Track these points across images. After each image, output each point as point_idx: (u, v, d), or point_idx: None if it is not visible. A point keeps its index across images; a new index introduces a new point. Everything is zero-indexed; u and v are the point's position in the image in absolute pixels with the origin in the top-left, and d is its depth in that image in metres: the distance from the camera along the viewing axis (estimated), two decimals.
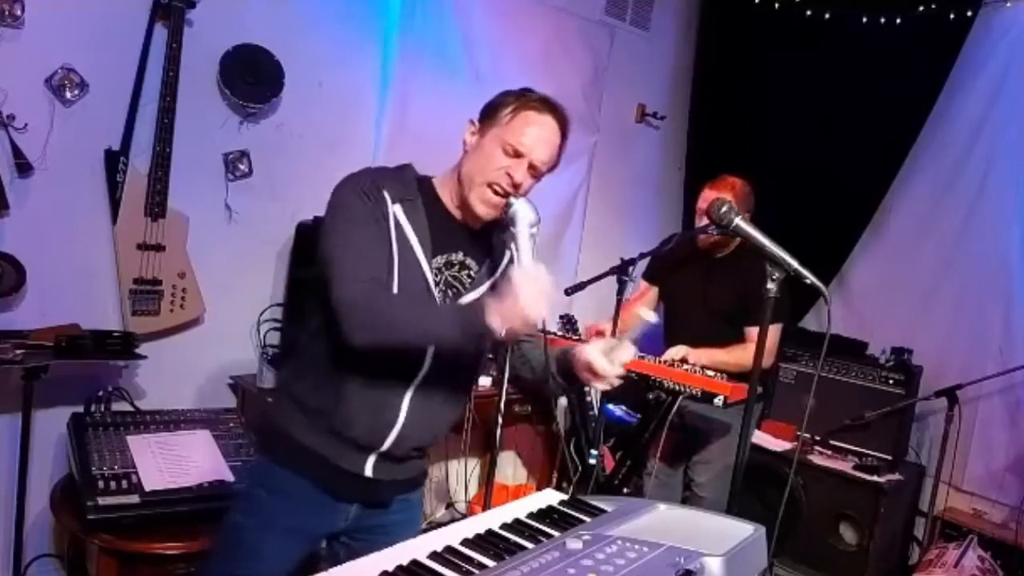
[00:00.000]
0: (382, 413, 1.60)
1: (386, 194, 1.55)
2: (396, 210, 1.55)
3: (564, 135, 1.62)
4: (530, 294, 1.35)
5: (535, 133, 1.56)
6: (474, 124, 1.63)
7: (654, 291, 3.04)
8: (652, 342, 3.00)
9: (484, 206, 1.58)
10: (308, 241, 2.91)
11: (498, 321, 1.37)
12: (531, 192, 1.62)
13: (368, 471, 1.62)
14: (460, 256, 1.65)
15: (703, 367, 2.60)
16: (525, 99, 1.59)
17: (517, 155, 1.56)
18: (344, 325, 1.42)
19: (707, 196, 2.72)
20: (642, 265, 2.59)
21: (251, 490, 1.66)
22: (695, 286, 2.85)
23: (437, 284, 1.59)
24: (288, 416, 1.62)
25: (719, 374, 2.54)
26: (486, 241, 1.69)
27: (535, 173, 1.60)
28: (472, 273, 1.66)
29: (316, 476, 1.60)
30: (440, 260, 1.61)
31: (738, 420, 2.69)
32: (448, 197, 1.64)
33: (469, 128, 1.63)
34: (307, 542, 1.67)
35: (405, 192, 1.58)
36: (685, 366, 2.60)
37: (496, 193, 1.57)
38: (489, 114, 1.61)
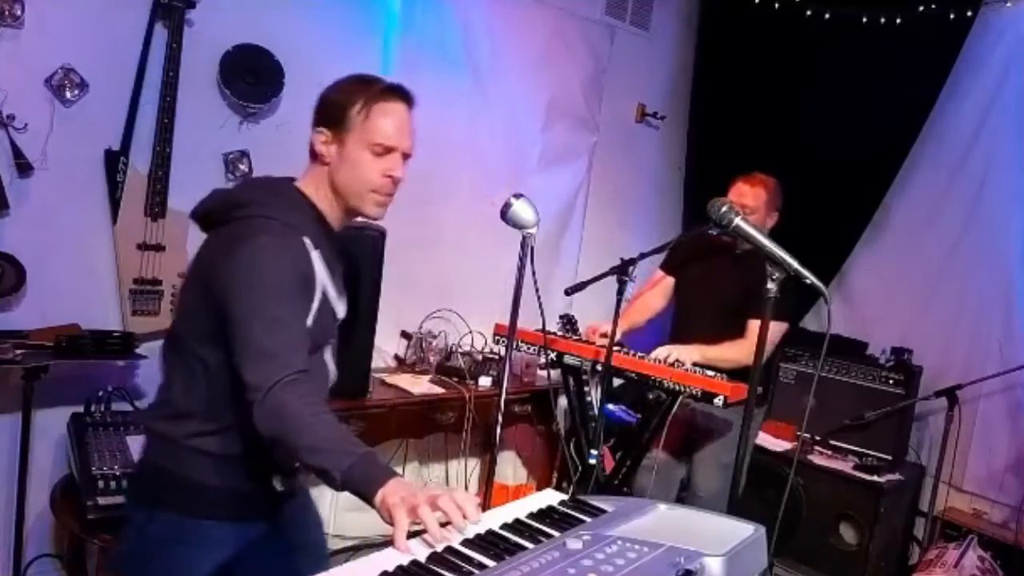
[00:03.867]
0: None
1: (307, 241, 1.49)
2: (315, 257, 1.50)
3: (413, 110, 1.59)
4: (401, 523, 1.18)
5: (395, 125, 1.54)
6: (323, 132, 1.55)
7: (668, 281, 3.04)
8: (657, 336, 3.00)
9: (379, 208, 1.58)
10: None
11: (379, 499, 1.22)
12: (530, 192, 1.62)
13: (278, 487, 1.60)
14: (338, 269, 1.64)
15: (695, 364, 2.61)
16: (369, 92, 1.54)
17: (388, 151, 1.54)
18: (255, 411, 1.33)
19: (740, 189, 2.74)
20: (643, 265, 2.59)
21: (162, 546, 1.51)
22: (707, 279, 2.86)
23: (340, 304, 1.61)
24: (195, 466, 1.51)
25: (719, 374, 2.54)
26: (338, 243, 1.66)
27: (407, 158, 1.58)
28: (340, 280, 1.65)
29: (231, 513, 1.55)
30: (335, 281, 1.60)
31: (740, 420, 2.70)
32: (326, 209, 1.58)
33: (319, 137, 1.55)
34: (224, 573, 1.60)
35: (310, 227, 1.52)
36: (680, 366, 2.60)
37: (385, 194, 1.56)
38: (336, 118, 1.53)
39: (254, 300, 1.39)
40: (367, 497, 1.24)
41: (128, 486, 1.62)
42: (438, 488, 1.22)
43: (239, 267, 1.41)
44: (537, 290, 1.99)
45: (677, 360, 2.61)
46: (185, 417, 1.51)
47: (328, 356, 1.65)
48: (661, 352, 2.67)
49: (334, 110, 1.55)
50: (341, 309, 1.65)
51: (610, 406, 3.35)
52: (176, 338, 1.56)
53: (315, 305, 1.50)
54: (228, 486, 1.53)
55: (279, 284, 1.41)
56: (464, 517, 1.18)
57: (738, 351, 2.59)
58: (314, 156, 1.57)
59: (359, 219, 1.66)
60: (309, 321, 1.48)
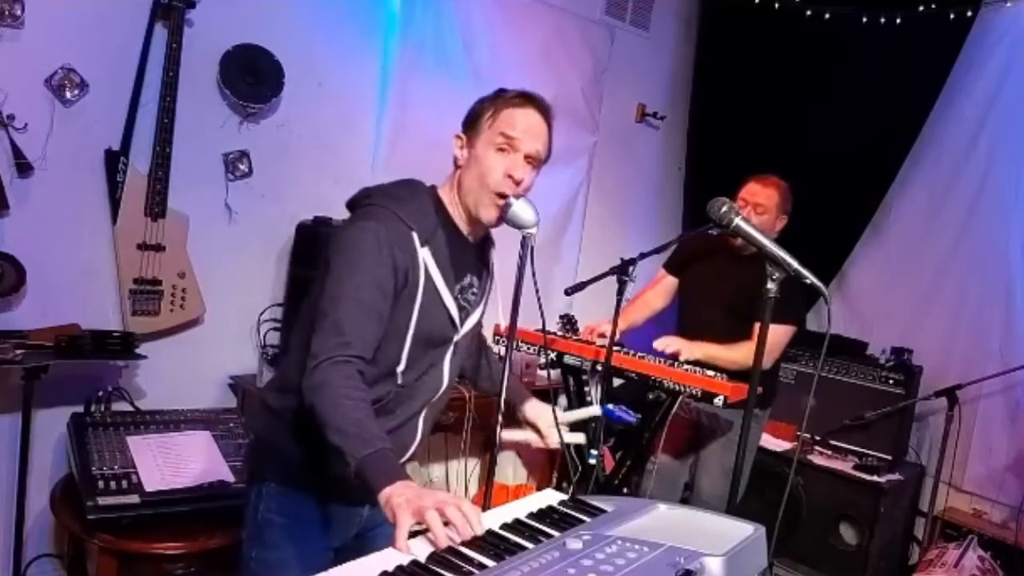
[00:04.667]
0: (402, 435, 1.60)
1: (415, 236, 1.51)
2: (424, 254, 1.52)
3: (549, 123, 1.62)
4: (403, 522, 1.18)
5: (522, 123, 1.57)
6: (461, 138, 1.62)
7: (670, 281, 3.04)
8: (657, 336, 2.99)
9: (496, 211, 1.59)
10: (308, 241, 2.91)
11: (384, 496, 1.22)
12: (530, 192, 1.62)
13: None
14: (470, 278, 1.66)
15: (696, 361, 2.60)
16: (502, 98, 1.59)
17: (511, 147, 1.56)
18: (304, 378, 1.39)
19: (753, 189, 2.75)
20: (642, 265, 2.59)
21: (270, 519, 1.57)
22: (711, 281, 2.85)
23: (458, 311, 1.61)
24: (298, 441, 1.54)
25: (719, 374, 2.54)
26: (481, 253, 1.71)
27: (533, 163, 1.59)
28: (475, 291, 1.68)
29: (333, 493, 1.58)
30: (457, 288, 1.61)
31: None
32: (457, 215, 1.62)
33: (457, 143, 1.62)
34: (331, 555, 1.63)
35: (429, 228, 1.55)
36: (683, 364, 2.59)
37: (504, 196, 1.57)
38: (472, 124, 1.60)
39: (341, 276, 1.45)
40: (373, 490, 1.26)
41: (242, 464, 1.65)
42: (444, 494, 1.23)
43: (338, 244, 1.50)
44: (537, 290, 1.99)
45: (675, 352, 2.60)
46: (290, 390, 1.52)
47: (446, 361, 1.65)
48: (662, 342, 2.66)
49: (471, 118, 1.62)
50: (467, 318, 1.64)
51: (610, 406, 3.35)
52: (296, 311, 1.63)
53: (418, 301, 1.52)
54: (323, 464, 1.51)
55: (367, 267, 1.45)
56: (470, 529, 1.18)
57: (742, 353, 2.58)
58: (454, 163, 1.63)
59: None
60: (413, 316, 1.52)
